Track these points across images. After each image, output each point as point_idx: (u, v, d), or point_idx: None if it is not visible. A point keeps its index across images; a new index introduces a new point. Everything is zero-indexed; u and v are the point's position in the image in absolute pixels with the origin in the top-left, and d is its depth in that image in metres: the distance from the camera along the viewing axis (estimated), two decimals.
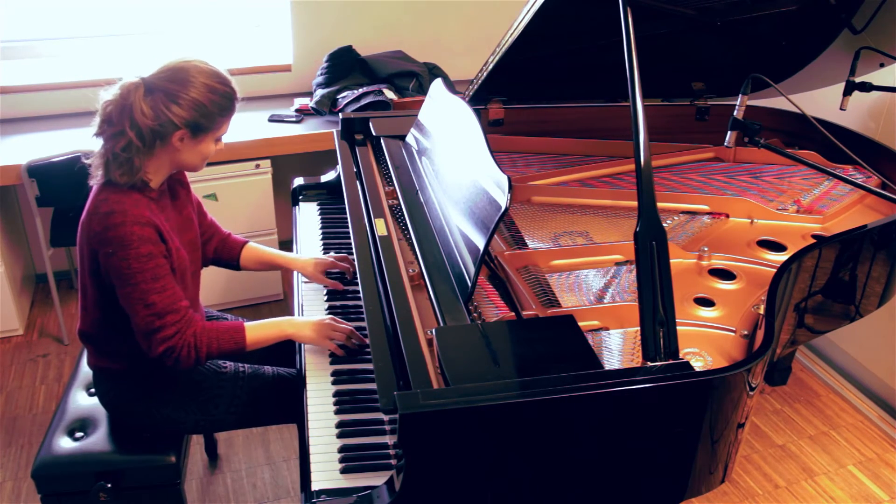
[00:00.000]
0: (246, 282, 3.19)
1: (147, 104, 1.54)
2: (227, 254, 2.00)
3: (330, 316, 1.80)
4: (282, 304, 3.29)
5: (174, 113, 1.54)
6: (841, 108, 2.28)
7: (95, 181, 1.62)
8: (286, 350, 2.00)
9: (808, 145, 2.36)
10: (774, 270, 1.64)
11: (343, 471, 1.45)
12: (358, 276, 1.69)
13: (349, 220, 1.91)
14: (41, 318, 3.22)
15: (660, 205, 1.61)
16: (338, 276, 2.03)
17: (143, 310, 1.57)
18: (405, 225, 1.81)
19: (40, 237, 2.85)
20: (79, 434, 1.81)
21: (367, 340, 1.73)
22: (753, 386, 1.39)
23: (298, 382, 1.73)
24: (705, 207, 2.09)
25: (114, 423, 1.83)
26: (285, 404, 1.83)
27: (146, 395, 1.77)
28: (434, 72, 3.35)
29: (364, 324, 1.63)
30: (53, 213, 2.93)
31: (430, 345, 1.40)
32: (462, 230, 1.61)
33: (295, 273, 2.07)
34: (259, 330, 1.72)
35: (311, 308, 1.94)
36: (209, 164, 2.83)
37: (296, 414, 1.80)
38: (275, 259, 2.03)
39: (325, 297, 1.97)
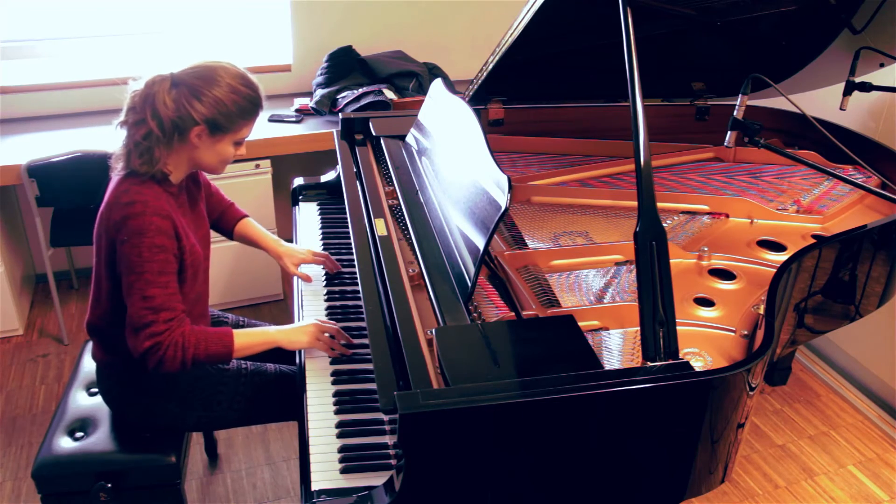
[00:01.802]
0: (246, 282, 3.19)
1: (170, 97, 1.57)
2: (224, 223, 2.07)
3: (316, 318, 1.80)
4: (282, 305, 3.29)
5: (195, 108, 1.57)
6: (841, 108, 2.28)
7: (116, 173, 1.64)
8: None
9: (808, 145, 2.36)
10: (774, 270, 1.64)
11: (343, 471, 1.45)
12: (358, 275, 1.70)
13: (349, 220, 1.91)
14: (41, 318, 3.22)
15: (660, 205, 1.61)
16: (336, 275, 2.04)
17: (140, 302, 1.57)
18: (405, 225, 1.81)
19: (40, 237, 2.85)
20: (79, 434, 1.81)
21: (354, 342, 1.75)
22: (753, 386, 1.39)
23: (300, 379, 1.73)
24: (705, 207, 2.09)
25: (114, 422, 1.83)
26: (287, 401, 1.83)
27: (149, 391, 1.77)
28: (434, 72, 3.35)
29: (364, 324, 1.63)
30: (53, 213, 2.93)
31: (430, 345, 1.40)
32: (462, 230, 1.61)
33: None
34: (248, 337, 1.71)
35: (310, 308, 1.94)
36: None
37: (297, 411, 1.80)
38: (259, 239, 2.08)
39: (325, 297, 1.97)
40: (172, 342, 1.59)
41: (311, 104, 3.18)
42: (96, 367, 1.83)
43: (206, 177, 1.93)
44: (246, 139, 1.71)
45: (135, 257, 1.56)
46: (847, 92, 2.24)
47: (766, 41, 2.24)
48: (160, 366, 1.59)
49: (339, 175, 2.26)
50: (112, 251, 1.62)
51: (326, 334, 1.75)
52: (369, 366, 1.70)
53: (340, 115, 2.38)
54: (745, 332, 1.61)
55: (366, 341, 1.77)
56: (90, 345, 2.06)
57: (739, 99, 1.84)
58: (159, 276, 1.58)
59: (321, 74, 3.27)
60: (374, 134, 2.24)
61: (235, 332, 1.70)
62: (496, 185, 1.51)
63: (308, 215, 2.35)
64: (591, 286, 1.72)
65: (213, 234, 2.02)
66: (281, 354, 1.97)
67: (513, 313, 1.53)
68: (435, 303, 1.49)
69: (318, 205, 2.40)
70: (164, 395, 1.77)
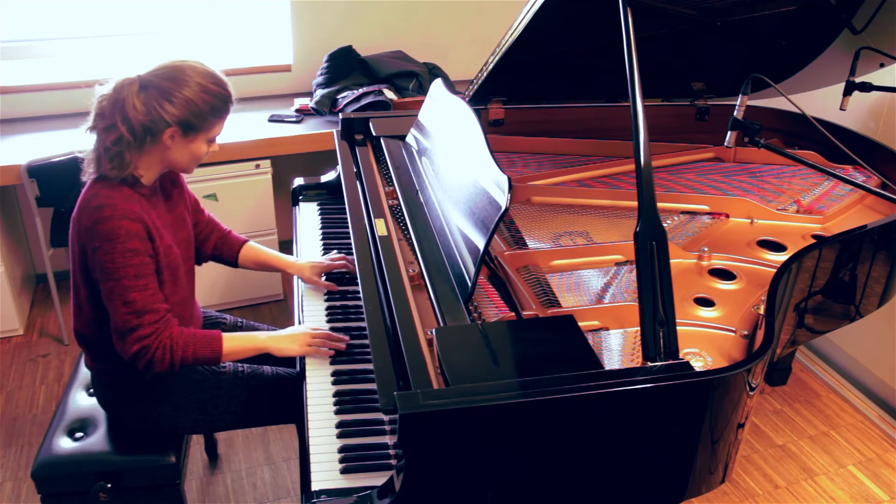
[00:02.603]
0: (246, 282, 3.19)
1: (140, 100, 1.55)
2: (226, 251, 2.00)
3: (306, 325, 1.80)
4: (282, 305, 3.29)
5: (166, 110, 1.55)
6: (841, 108, 2.28)
7: (87, 177, 1.63)
8: None
9: (808, 145, 2.36)
10: (774, 270, 1.64)
11: (343, 471, 1.45)
12: (358, 276, 1.69)
13: (349, 220, 1.91)
14: (41, 318, 3.22)
15: (660, 205, 1.61)
16: (337, 275, 2.03)
17: (122, 307, 1.56)
18: (405, 225, 1.81)
19: (40, 237, 2.85)
20: (79, 434, 1.81)
21: (345, 344, 1.75)
22: (753, 386, 1.39)
23: (298, 382, 1.73)
24: (705, 207, 2.09)
25: (113, 423, 1.83)
26: (284, 404, 1.83)
27: (144, 396, 1.77)
28: (434, 72, 3.35)
29: (364, 324, 1.63)
30: (53, 213, 2.93)
31: (430, 345, 1.40)
32: (462, 230, 1.61)
33: (295, 276, 2.07)
34: (237, 341, 1.71)
35: (310, 308, 1.93)
36: (209, 165, 2.84)
37: (295, 414, 1.79)
38: (271, 261, 2.03)
39: (325, 297, 1.97)
40: (161, 345, 1.59)
41: (312, 104, 3.18)
42: (91, 375, 1.83)
43: (193, 194, 1.90)
44: (218, 136, 1.69)
45: (109, 264, 1.55)
46: (847, 92, 2.24)
47: (766, 41, 2.24)
48: (150, 367, 1.60)
49: (339, 175, 2.26)
50: (85, 256, 1.61)
51: (318, 339, 1.74)
52: (369, 366, 1.69)
53: (340, 115, 2.38)
54: (745, 332, 1.61)
55: (366, 341, 1.77)
56: None
57: (739, 99, 1.84)
58: (136, 279, 1.56)
59: (321, 74, 3.27)
60: (374, 134, 2.24)
61: (225, 336, 1.69)
62: (496, 185, 1.51)
63: (308, 215, 2.35)
64: (592, 286, 1.72)
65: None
66: (279, 357, 1.98)
67: (513, 313, 1.53)
68: (435, 303, 1.49)
69: (318, 205, 2.39)
70: (159, 400, 1.77)
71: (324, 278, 2.02)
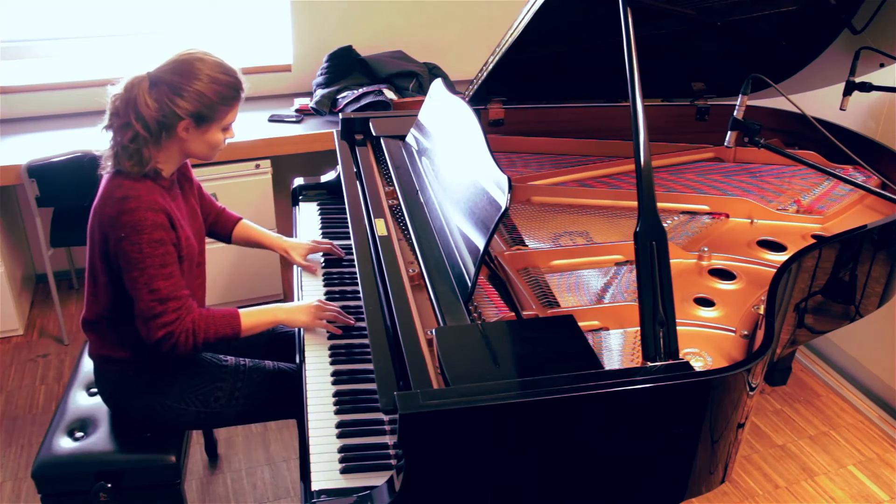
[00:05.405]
0: (246, 282, 3.19)
1: (151, 97, 1.58)
2: (220, 228, 2.06)
3: (318, 299, 1.84)
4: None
5: (178, 105, 1.58)
6: (841, 108, 2.28)
7: (106, 171, 1.66)
8: (287, 346, 2.00)
9: (808, 145, 2.36)
10: (774, 270, 1.64)
11: (343, 471, 1.45)
12: (358, 275, 1.70)
13: (349, 220, 1.91)
14: (41, 318, 3.22)
15: (660, 205, 1.61)
16: (336, 275, 2.04)
17: (148, 295, 1.60)
18: (405, 225, 1.81)
19: (40, 237, 2.85)
20: (79, 434, 1.81)
21: (353, 322, 1.79)
22: (753, 386, 1.39)
23: (299, 376, 1.74)
24: (705, 207, 2.09)
25: (114, 422, 1.83)
26: (286, 398, 1.84)
27: (147, 386, 1.78)
28: (434, 72, 3.35)
29: (364, 324, 1.63)
30: (53, 213, 2.93)
31: (430, 345, 1.40)
32: (462, 230, 1.61)
33: (294, 274, 2.08)
34: (253, 316, 1.75)
35: None
36: (209, 164, 2.84)
37: (296, 408, 1.80)
38: (261, 238, 2.09)
39: (325, 297, 1.97)
40: (184, 330, 1.64)
41: (312, 104, 3.18)
42: (94, 365, 1.84)
43: (196, 180, 1.93)
44: (233, 123, 1.72)
45: (136, 254, 1.58)
46: (847, 92, 2.24)
47: (766, 41, 2.24)
48: (173, 350, 1.65)
49: (339, 175, 2.26)
50: (106, 244, 1.63)
51: (328, 313, 1.78)
52: (369, 366, 1.70)
53: (340, 115, 2.38)
54: (745, 332, 1.61)
55: (366, 341, 1.77)
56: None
57: (739, 99, 1.84)
58: (162, 268, 1.60)
59: (321, 74, 3.27)
60: (374, 134, 2.24)
61: (242, 312, 1.74)
62: (496, 185, 1.51)
63: (308, 215, 2.35)
64: (591, 286, 1.72)
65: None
66: (281, 353, 1.98)
67: (513, 313, 1.53)
68: (435, 303, 1.49)
69: (318, 205, 2.40)
70: (162, 392, 1.78)
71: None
